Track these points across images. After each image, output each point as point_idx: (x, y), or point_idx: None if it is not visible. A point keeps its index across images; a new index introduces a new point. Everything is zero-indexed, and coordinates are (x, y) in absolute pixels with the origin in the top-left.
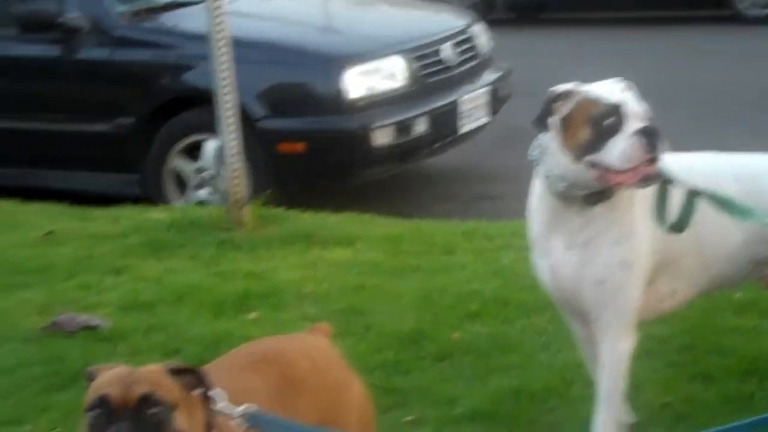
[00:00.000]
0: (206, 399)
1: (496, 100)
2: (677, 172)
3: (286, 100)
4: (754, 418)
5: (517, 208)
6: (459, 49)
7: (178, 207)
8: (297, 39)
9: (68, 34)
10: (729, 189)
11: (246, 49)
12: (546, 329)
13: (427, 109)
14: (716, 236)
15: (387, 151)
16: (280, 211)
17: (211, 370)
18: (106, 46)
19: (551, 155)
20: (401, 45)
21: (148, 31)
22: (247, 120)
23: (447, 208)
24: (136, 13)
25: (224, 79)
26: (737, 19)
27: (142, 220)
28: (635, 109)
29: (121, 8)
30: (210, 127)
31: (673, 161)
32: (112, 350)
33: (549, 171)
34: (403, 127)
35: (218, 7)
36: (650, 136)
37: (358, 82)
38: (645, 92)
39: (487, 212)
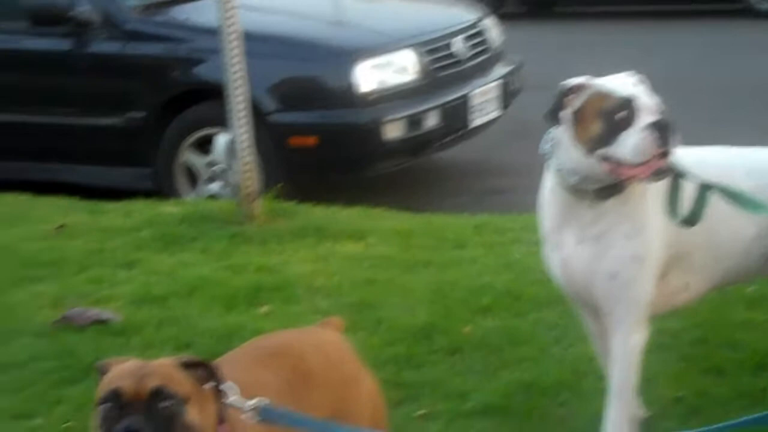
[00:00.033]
0: (218, 392)
1: (507, 94)
2: (689, 166)
3: (298, 93)
4: (767, 412)
5: (529, 202)
6: (470, 43)
7: (189, 201)
8: (308, 33)
9: (79, 28)
10: (741, 183)
11: (257, 43)
12: (557, 323)
13: (438, 102)
14: (728, 230)
15: (398, 144)
16: (291, 205)
17: (223, 363)
18: (117, 39)
19: (563, 149)
20: (412, 39)
21: (160, 24)
22: (258, 114)
23: (458, 201)
24: (147, 7)
25: (235, 72)
26: (748, 12)
27: (154, 213)
28: (647, 102)
29: (132, 2)
30: (221, 120)
31: (685, 155)
32: (124, 344)
33: (561, 165)
34: (414, 121)
35: (229, 1)
36: (662, 130)
37: (370, 76)
38: (656, 86)
39: (498, 206)
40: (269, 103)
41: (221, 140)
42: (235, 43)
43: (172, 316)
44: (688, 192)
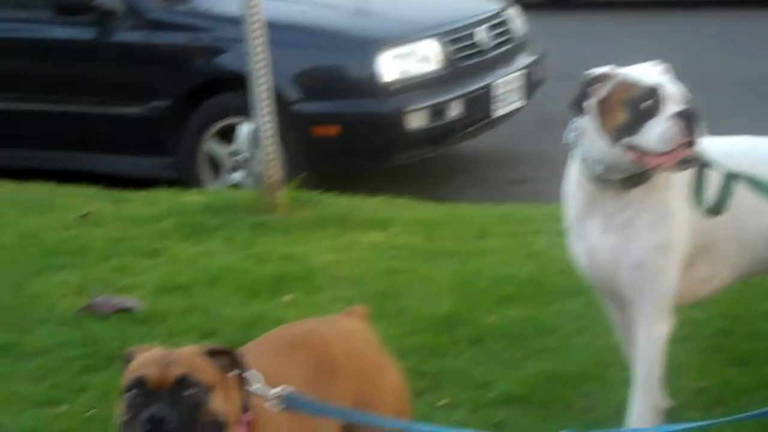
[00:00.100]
0: (242, 380)
1: (531, 84)
2: (715, 156)
3: (321, 83)
4: None
5: (553, 192)
6: (493, 33)
7: (212, 190)
8: (331, 22)
9: (103, 17)
10: (767, 173)
11: (280, 32)
12: (581, 313)
13: (461, 92)
14: (754, 220)
15: (421, 134)
16: (314, 194)
17: (247, 352)
18: (141, 29)
19: (588, 139)
20: (436, 28)
21: (183, 14)
22: (281, 103)
23: (482, 191)
24: None
25: (259, 62)
26: None
27: (177, 202)
28: (673, 91)
29: None
30: (244, 110)
31: (710, 144)
32: (147, 332)
33: (585, 154)
34: (437, 111)
35: None
36: (688, 119)
37: (393, 66)
38: (681, 75)
39: (522, 196)
40: (292, 93)
41: (244, 129)
42: (258, 33)
43: (196, 304)
44: (714, 182)
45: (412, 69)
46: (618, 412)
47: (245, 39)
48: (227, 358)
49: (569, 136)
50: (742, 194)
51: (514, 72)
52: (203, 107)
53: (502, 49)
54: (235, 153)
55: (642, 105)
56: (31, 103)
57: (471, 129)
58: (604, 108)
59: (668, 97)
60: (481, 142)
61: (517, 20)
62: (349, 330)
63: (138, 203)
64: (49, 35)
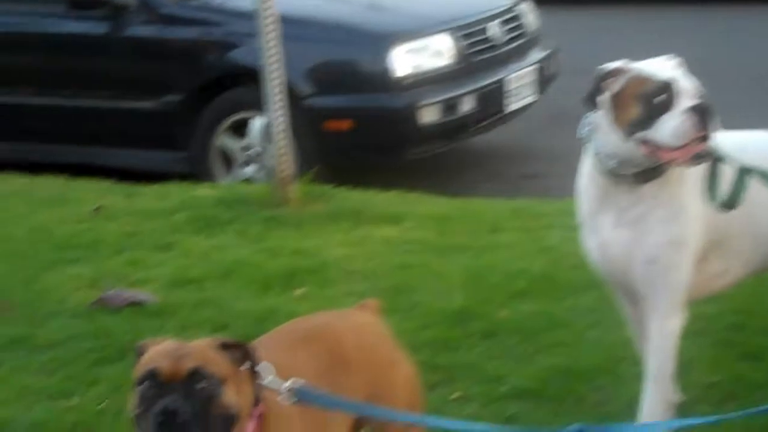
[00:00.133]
0: (254, 374)
1: (544, 79)
2: (728, 150)
3: (333, 77)
4: None
5: (565, 187)
6: (506, 27)
7: (224, 184)
8: (344, 16)
9: (116, 12)
10: None
11: (293, 27)
12: (594, 308)
13: (474, 87)
14: None
15: (434, 129)
16: (327, 189)
17: (259, 345)
18: (153, 23)
19: (601, 133)
20: (448, 23)
21: (196, 8)
22: (293, 97)
23: (494, 186)
24: None
25: (272, 56)
26: None
27: (190, 196)
28: (687, 86)
29: None
30: (257, 104)
31: (724, 139)
32: (160, 325)
33: (599, 149)
34: (449, 106)
35: None
36: (702, 114)
37: (405, 60)
38: (695, 70)
39: (534, 191)
40: (305, 87)
41: (257, 124)
42: (271, 27)
43: (208, 298)
44: (727, 176)
45: (425, 64)
46: (630, 406)
47: (258, 33)
48: (239, 351)
49: (583, 130)
50: (755, 189)
51: (527, 67)
52: (216, 102)
53: (515, 44)
54: (247, 147)
55: (656, 99)
56: (44, 98)
57: (484, 124)
58: (618, 102)
59: (682, 92)
60: (494, 137)
61: (530, 15)
62: (362, 324)
63: (150, 197)
64: (62, 30)
